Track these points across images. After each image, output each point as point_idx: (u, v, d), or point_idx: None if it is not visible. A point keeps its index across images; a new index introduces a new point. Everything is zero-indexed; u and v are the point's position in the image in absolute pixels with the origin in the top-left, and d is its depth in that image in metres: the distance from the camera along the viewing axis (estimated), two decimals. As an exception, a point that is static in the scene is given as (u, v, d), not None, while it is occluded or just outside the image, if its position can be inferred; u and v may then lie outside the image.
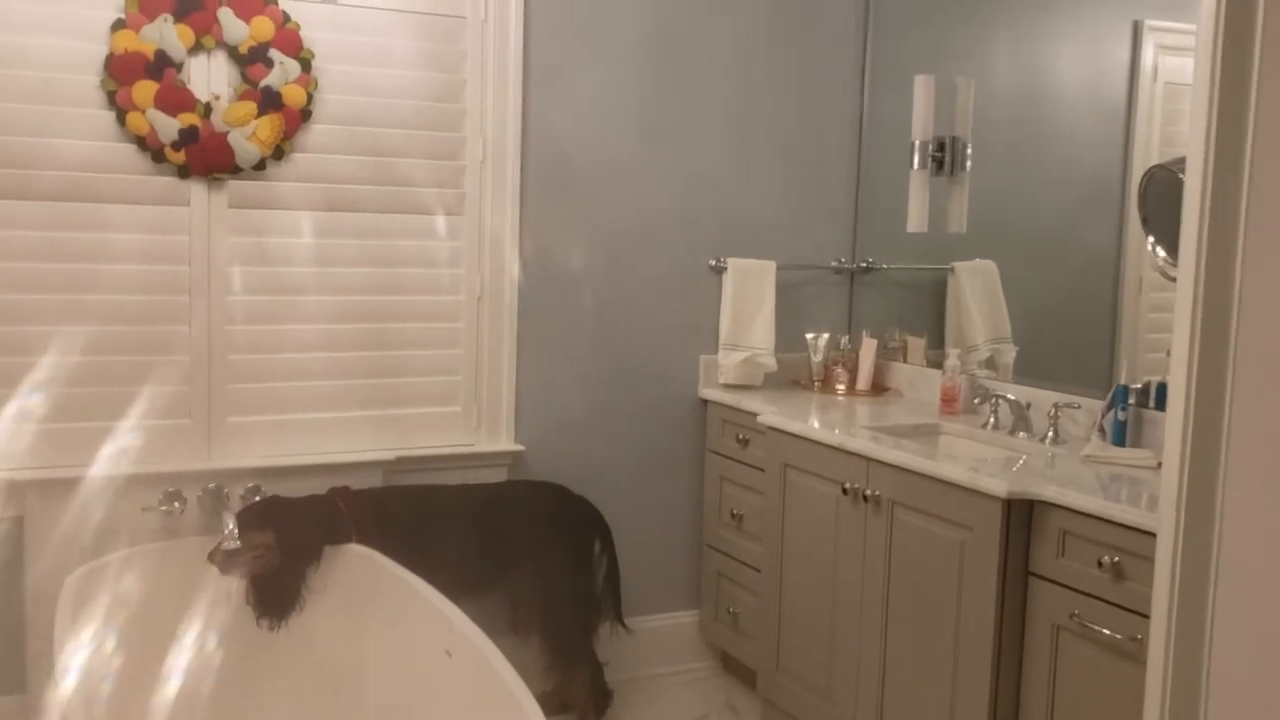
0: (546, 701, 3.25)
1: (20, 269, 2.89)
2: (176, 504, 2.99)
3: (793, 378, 3.74)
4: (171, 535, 3.00)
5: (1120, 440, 2.79)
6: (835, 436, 2.97)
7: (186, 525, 3.02)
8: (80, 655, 2.52)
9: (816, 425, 3.10)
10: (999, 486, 2.48)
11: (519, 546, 3.17)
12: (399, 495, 3.15)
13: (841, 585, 2.95)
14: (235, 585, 2.92)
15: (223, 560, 2.85)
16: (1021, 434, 3.03)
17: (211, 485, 3.04)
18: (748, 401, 3.45)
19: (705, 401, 3.66)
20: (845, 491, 2.91)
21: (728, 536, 3.55)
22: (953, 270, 3.54)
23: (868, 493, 2.84)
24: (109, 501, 2.94)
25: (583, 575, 3.29)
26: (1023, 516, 2.49)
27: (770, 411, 3.27)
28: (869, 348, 3.63)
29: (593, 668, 3.29)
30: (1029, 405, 3.06)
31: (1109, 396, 2.84)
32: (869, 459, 2.85)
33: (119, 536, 2.94)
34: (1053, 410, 2.97)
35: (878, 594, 2.83)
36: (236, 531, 2.79)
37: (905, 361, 3.66)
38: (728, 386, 3.62)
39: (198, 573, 2.88)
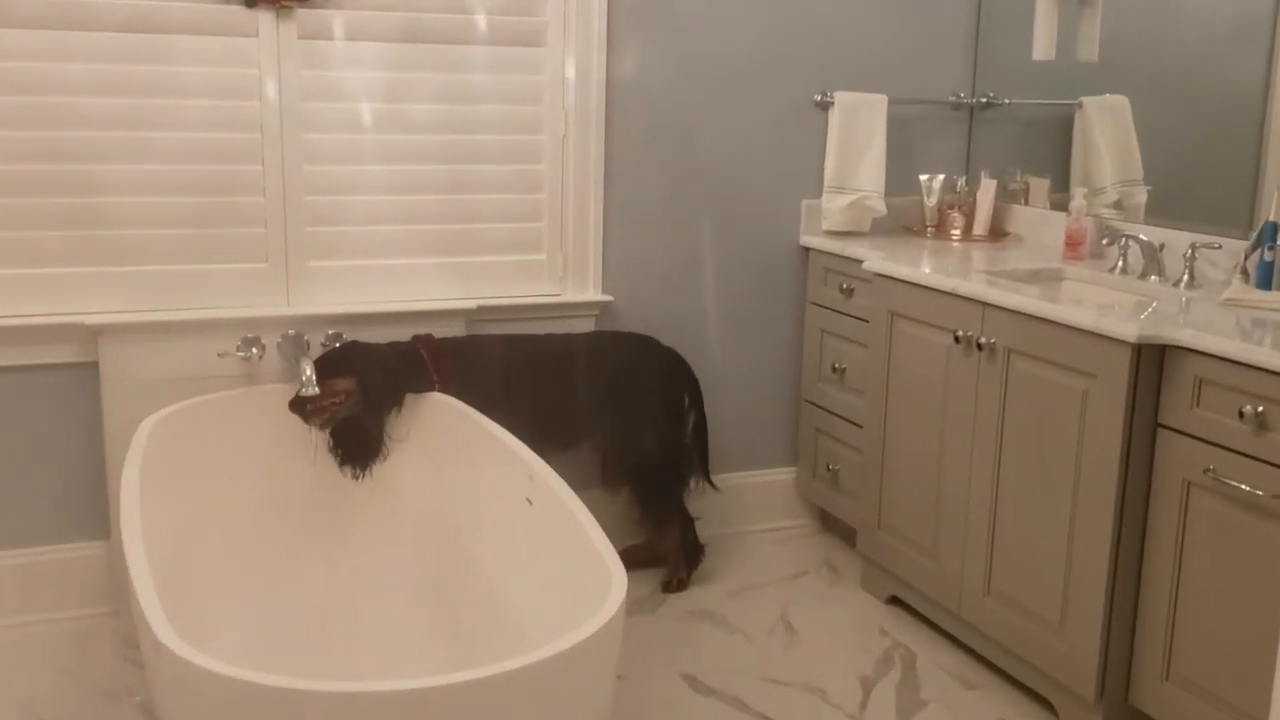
0: (636, 555, 3.14)
1: (85, 104, 2.77)
2: (255, 350, 2.90)
3: (903, 223, 3.49)
4: (250, 382, 2.92)
5: (1266, 283, 2.52)
6: (948, 281, 2.74)
7: (265, 372, 2.93)
8: (146, 501, 2.46)
9: (928, 271, 2.86)
10: (1128, 330, 2.24)
11: (606, 398, 3.03)
12: (482, 344, 3.02)
13: (950, 439, 2.76)
14: (316, 433, 2.83)
15: (302, 407, 2.76)
16: (1153, 278, 2.76)
17: (291, 331, 2.94)
18: (853, 248, 3.22)
19: (806, 249, 3.44)
20: (957, 340, 2.69)
21: (828, 391, 3.36)
22: (1081, 106, 3.24)
23: (982, 341, 2.61)
24: (186, 347, 2.86)
25: (672, 428, 3.15)
26: (1153, 364, 2.25)
27: (877, 257, 3.04)
28: (988, 189, 3.35)
29: (684, 522, 3.17)
30: (1162, 247, 2.79)
31: (1255, 235, 2.56)
32: (984, 304, 2.62)
33: (196, 383, 2.86)
34: (1189, 251, 2.69)
35: (989, 448, 2.63)
36: (314, 377, 2.68)
37: (1026, 204, 3.39)
38: (832, 233, 3.39)
39: (277, 419, 2.80)
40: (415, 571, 2.82)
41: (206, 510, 2.73)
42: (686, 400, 3.17)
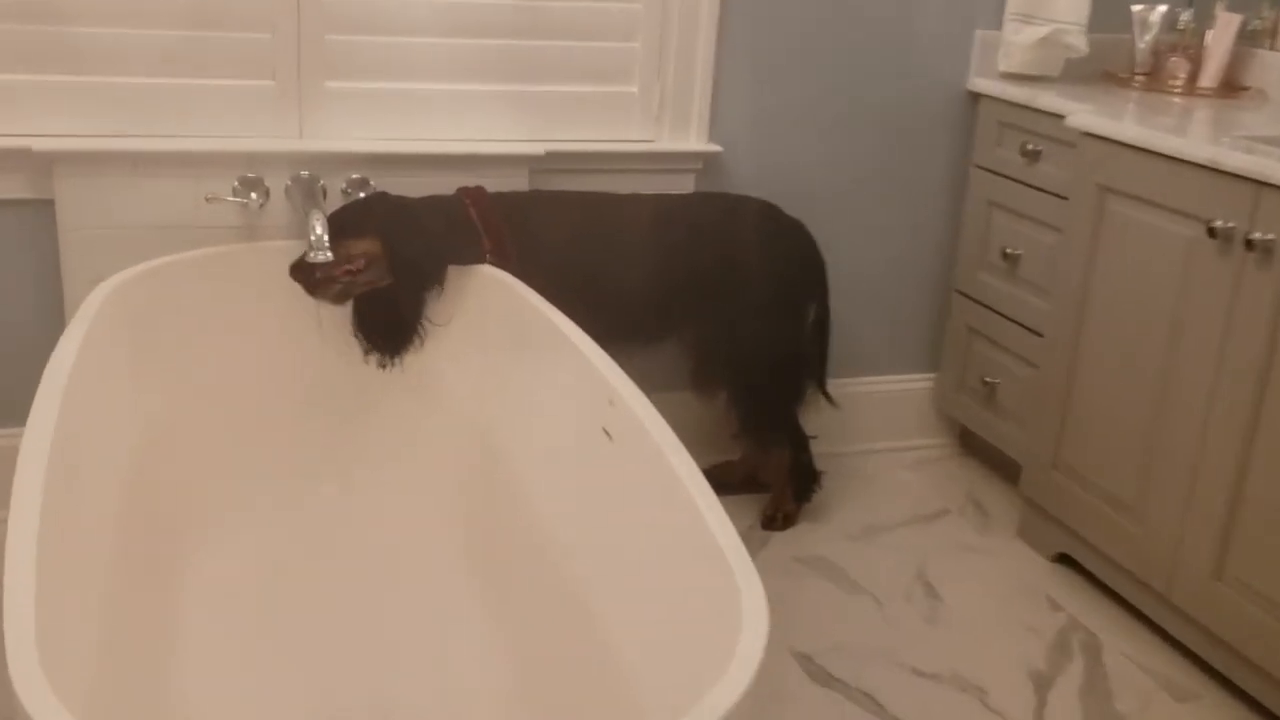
0: (729, 475, 2.48)
1: None
2: (254, 195, 2.21)
3: (1104, 68, 2.68)
4: (247, 236, 2.24)
5: None
6: (1203, 150, 1.96)
7: (268, 224, 2.24)
8: (99, 395, 1.82)
9: (1166, 134, 2.08)
10: None
11: (708, 281, 2.31)
12: (549, 203, 2.30)
13: (1183, 366, 2.02)
14: (326, 310, 2.15)
15: (308, 275, 2.08)
16: None
17: (303, 173, 2.23)
18: (1044, 97, 2.42)
19: (976, 96, 2.65)
20: (1212, 233, 1.92)
21: (992, 283, 2.61)
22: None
23: (1254, 237, 1.85)
24: (165, 186, 2.18)
25: (789, 323, 2.43)
26: None
27: (1084, 110, 2.26)
28: (1226, 27, 2.53)
29: (796, 442, 2.48)
30: None
31: None
32: (1261, 183, 1.85)
33: (177, 234, 2.18)
34: None
35: (1245, 385, 1.89)
36: (326, 237, 1.99)
37: (1274, 49, 2.56)
38: (1012, 76, 2.59)
39: (279, 287, 2.12)
40: (451, 502, 2.17)
41: (183, 407, 2.08)
42: (810, 289, 2.45)
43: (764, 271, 2.36)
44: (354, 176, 2.27)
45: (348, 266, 2.08)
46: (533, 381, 2.05)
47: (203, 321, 2.12)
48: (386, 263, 2.11)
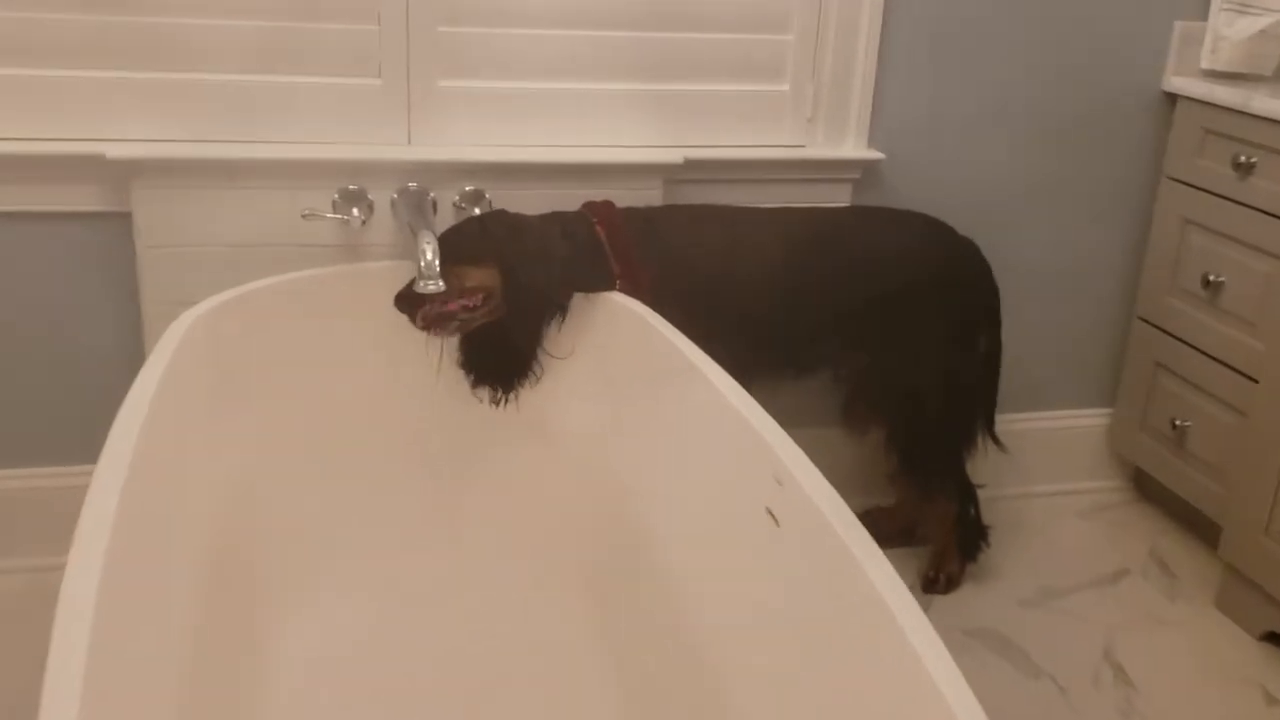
0: (883, 524, 2.18)
1: None
2: (356, 210, 1.95)
3: (1325, 65, 2.32)
4: (347, 256, 1.98)
5: None
6: None
7: (370, 241, 1.99)
8: (178, 439, 1.57)
9: None
10: None
11: (872, 308, 2.01)
12: (687, 221, 2.01)
13: None
14: (440, 341, 1.89)
15: (416, 307, 1.82)
16: None
17: (411, 185, 1.98)
18: (1261, 100, 2.07)
19: (1173, 98, 2.30)
20: None
21: (1187, 312, 2.27)
22: None
23: None
24: (256, 199, 1.93)
25: (961, 357, 2.11)
26: None
27: (1323, 117, 1.92)
28: None
29: (964, 492, 2.17)
30: None
31: None
32: None
33: (269, 254, 1.94)
34: None
35: None
36: (437, 264, 1.72)
37: None
38: (1219, 74, 2.24)
39: (382, 318, 1.87)
40: (574, 566, 1.90)
41: (272, 454, 1.84)
42: (983, 318, 2.13)
43: (934, 298, 2.04)
44: (468, 189, 2.01)
45: (464, 301, 1.81)
46: (668, 427, 1.77)
47: (297, 355, 1.87)
48: (503, 294, 1.84)
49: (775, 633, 1.40)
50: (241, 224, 1.94)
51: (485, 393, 1.94)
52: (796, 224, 2.03)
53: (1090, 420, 2.52)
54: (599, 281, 1.90)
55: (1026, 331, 2.38)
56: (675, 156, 2.06)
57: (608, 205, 1.96)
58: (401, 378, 1.92)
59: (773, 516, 1.41)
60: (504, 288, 1.83)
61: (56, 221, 1.95)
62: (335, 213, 1.95)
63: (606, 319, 1.90)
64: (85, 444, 2.05)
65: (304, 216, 1.91)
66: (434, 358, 1.89)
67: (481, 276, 1.82)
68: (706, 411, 1.62)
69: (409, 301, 1.81)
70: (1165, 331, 2.33)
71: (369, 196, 1.97)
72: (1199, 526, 2.34)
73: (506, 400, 1.94)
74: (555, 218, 1.93)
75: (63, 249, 1.97)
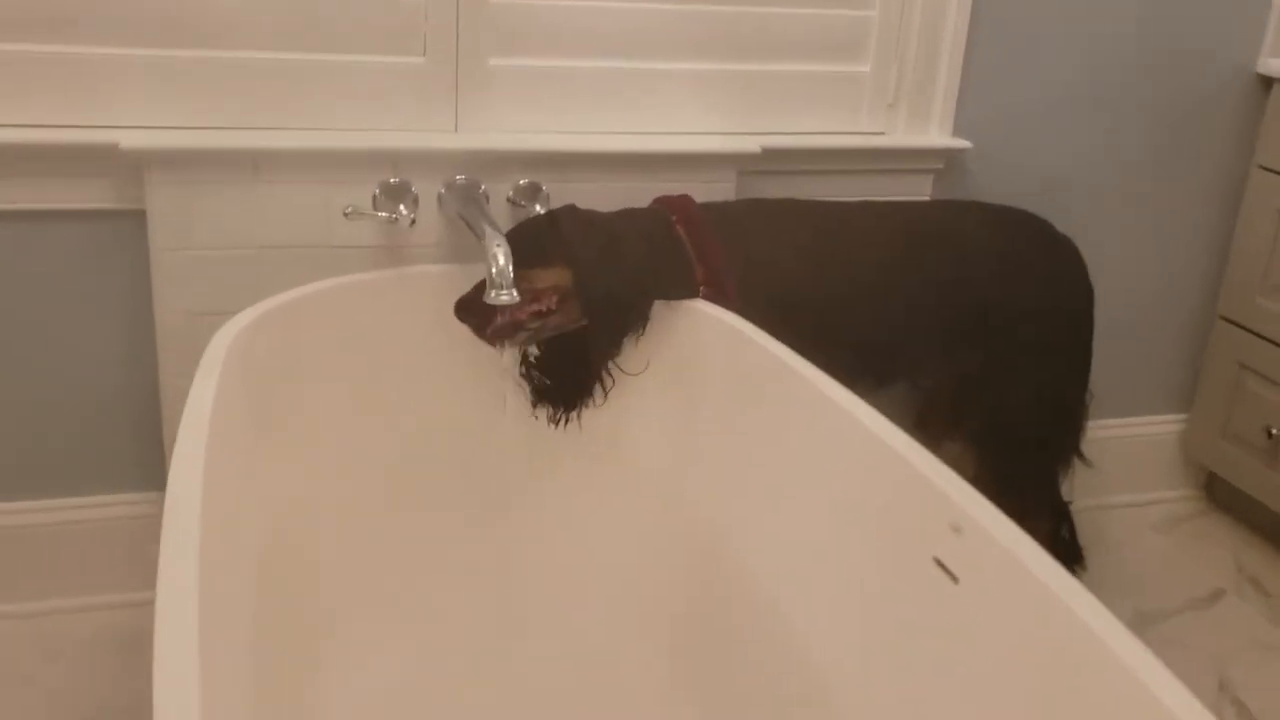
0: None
1: None
2: (403, 208, 1.72)
3: None
4: (389, 259, 1.76)
5: None
6: None
7: (414, 241, 1.76)
8: (218, 469, 1.34)
9: None
10: None
11: (971, 313, 1.82)
12: (772, 217, 1.80)
13: None
14: (512, 365, 1.67)
15: (485, 319, 1.59)
16: None
17: (459, 178, 1.75)
18: (1380, 84, 1.93)
19: (1269, 81, 2.14)
20: None
21: (1271, 309, 2.12)
22: None
23: None
24: (288, 194, 1.70)
25: (1066, 366, 1.93)
26: None
27: None
28: None
29: (1056, 514, 2.00)
30: None
31: None
32: None
33: (304, 256, 1.71)
34: None
35: None
36: (510, 269, 1.49)
37: None
38: (1322, 56, 2.09)
39: (436, 326, 1.65)
40: (655, 608, 1.69)
41: (317, 482, 1.61)
42: (1088, 324, 1.95)
43: (1040, 302, 1.86)
44: (522, 183, 1.78)
45: (536, 307, 1.59)
46: (777, 458, 1.57)
47: (344, 369, 1.64)
48: (578, 301, 1.62)
49: (909, 663, 1.21)
50: (268, 223, 1.70)
51: (545, 410, 1.73)
52: (890, 222, 1.83)
53: (1161, 427, 2.37)
54: (681, 287, 1.69)
55: (1100, 333, 2.20)
56: (752, 146, 1.85)
57: (686, 201, 1.75)
58: (457, 395, 1.70)
59: (945, 570, 1.22)
60: (578, 293, 1.61)
61: (59, 221, 1.69)
62: (378, 210, 1.72)
63: (688, 330, 1.69)
64: (94, 473, 1.82)
65: (346, 215, 1.68)
66: (505, 387, 1.67)
67: (552, 278, 1.60)
68: (836, 442, 1.42)
69: (474, 312, 1.59)
70: (1253, 332, 2.17)
71: (414, 190, 1.73)
72: (1265, 526, 2.21)
73: (567, 420, 1.73)
74: (630, 215, 1.72)
75: (66, 252, 1.71)
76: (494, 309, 1.55)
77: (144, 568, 1.85)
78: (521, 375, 1.72)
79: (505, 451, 1.75)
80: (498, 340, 1.59)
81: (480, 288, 1.58)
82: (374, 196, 1.72)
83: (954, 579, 1.21)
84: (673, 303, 1.69)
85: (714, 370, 1.66)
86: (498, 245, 1.50)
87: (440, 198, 1.75)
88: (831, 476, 1.43)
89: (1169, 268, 2.26)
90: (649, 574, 1.71)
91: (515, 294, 1.49)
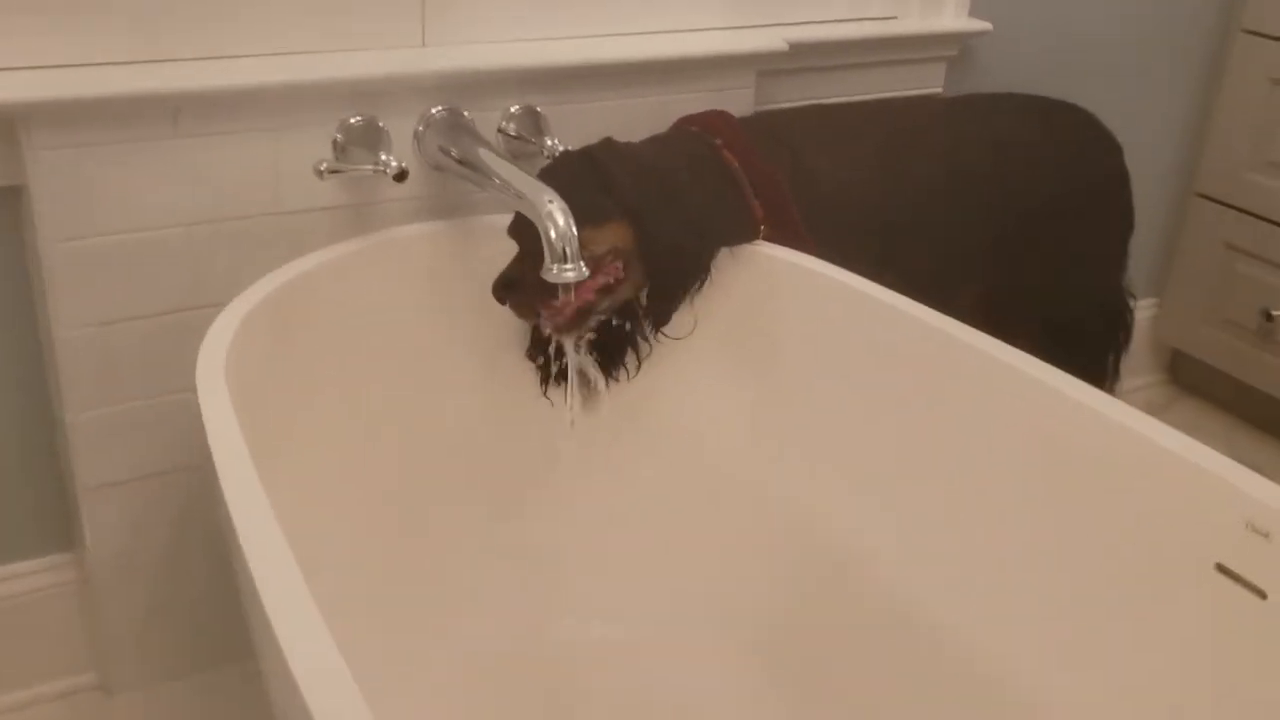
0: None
1: None
2: (384, 155, 1.30)
3: None
4: (359, 221, 1.35)
5: None
6: None
7: (387, 198, 1.36)
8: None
9: None
10: None
11: (1022, 225, 1.58)
12: (825, 130, 1.49)
13: None
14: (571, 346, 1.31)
15: (537, 299, 1.22)
16: None
17: (436, 109, 1.35)
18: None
19: (1259, -65, 1.97)
20: None
21: (1263, 186, 1.99)
22: None
23: None
24: (218, 150, 1.26)
25: (1113, 274, 1.74)
26: None
27: None
28: None
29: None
30: None
31: None
32: None
33: (240, 233, 1.28)
34: None
35: None
36: (574, 233, 1.12)
37: None
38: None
39: (442, 293, 1.28)
40: (739, 609, 1.41)
41: (326, 484, 1.23)
42: (1129, 232, 1.75)
43: (1086, 207, 1.64)
44: (515, 109, 1.40)
45: (602, 279, 1.24)
46: (885, 425, 1.30)
47: (348, 366, 1.25)
48: (641, 261, 1.28)
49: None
50: (197, 192, 1.26)
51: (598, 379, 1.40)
52: (939, 120, 1.56)
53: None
54: (740, 229, 1.37)
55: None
56: (776, 42, 1.52)
57: (724, 119, 1.42)
58: (482, 374, 1.34)
59: (1254, 590, 0.99)
60: (640, 254, 1.27)
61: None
62: (343, 160, 1.30)
63: (749, 279, 1.38)
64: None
65: (321, 174, 1.26)
66: (568, 396, 1.31)
67: (609, 238, 1.25)
68: (992, 407, 1.16)
69: (524, 293, 1.22)
70: (1244, 210, 2.04)
71: (382, 129, 1.32)
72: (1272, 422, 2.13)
73: (594, 391, 1.40)
74: (665, 143, 1.38)
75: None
76: (551, 288, 1.19)
77: (65, 648, 1.41)
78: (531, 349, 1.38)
79: (537, 440, 1.41)
80: (569, 332, 1.23)
81: (524, 260, 1.22)
82: (334, 142, 1.30)
83: (1260, 594, 0.98)
84: (734, 248, 1.37)
85: (789, 326, 1.37)
86: (551, 202, 1.13)
87: (418, 136, 1.35)
88: (989, 451, 1.17)
89: (1137, 143, 2.09)
90: (731, 567, 1.42)
91: (584, 266, 1.13)
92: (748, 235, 1.37)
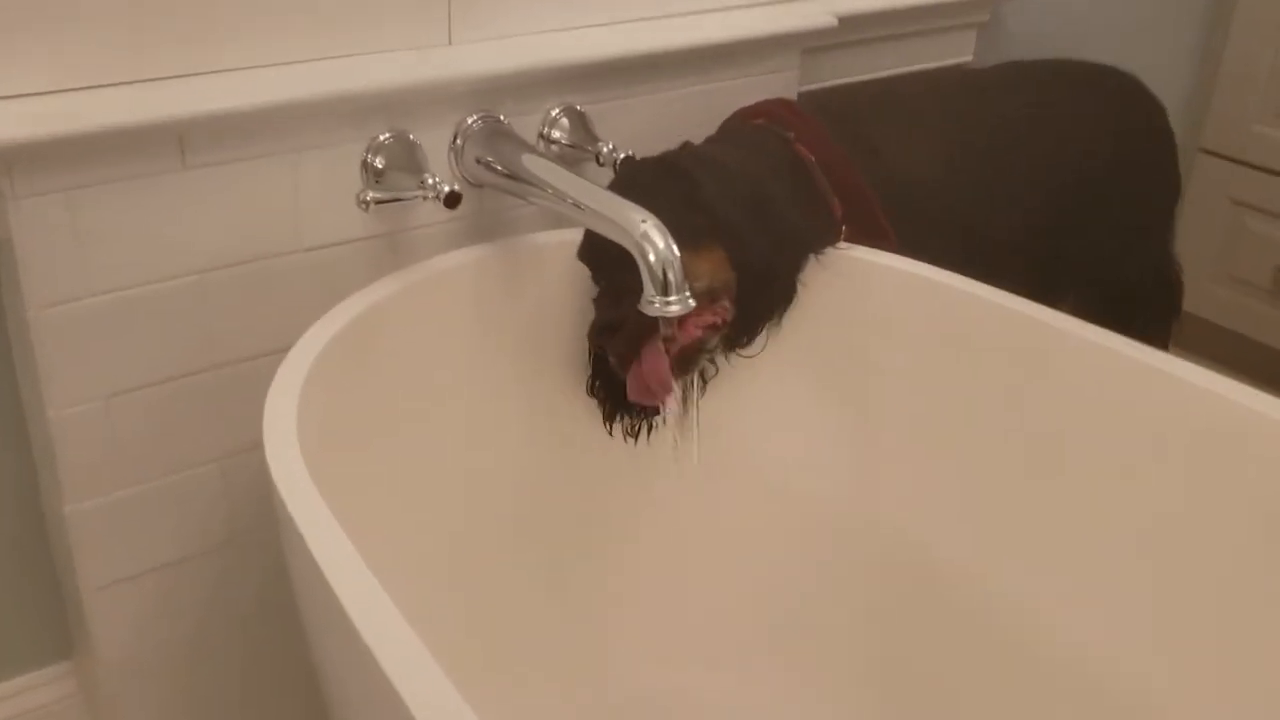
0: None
1: None
2: (428, 176, 1.11)
3: None
4: (392, 253, 1.17)
5: None
6: None
7: (418, 224, 1.18)
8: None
9: None
10: None
11: (1063, 184, 1.47)
12: (894, 114, 1.35)
13: None
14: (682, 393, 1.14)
15: (640, 341, 1.05)
16: None
17: (472, 119, 1.16)
18: None
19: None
20: None
21: (1274, 136, 1.93)
22: None
23: None
24: (230, 185, 1.06)
25: (1161, 242, 1.64)
26: None
27: None
28: None
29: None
30: None
31: None
32: None
33: (266, 277, 1.09)
34: None
35: None
36: (678, 259, 0.96)
37: None
38: None
39: (496, 323, 1.11)
40: (839, 639, 1.27)
41: (399, 541, 1.05)
42: (1178, 190, 1.66)
43: (1151, 172, 1.55)
44: (554, 112, 1.22)
45: (710, 318, 1.07)
46: (999, 441, 1.18)
47: (392, 414, 1.07)
48: (738, 285, 1.12)
49: None
50: (209, 233, 1.06)
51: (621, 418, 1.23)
52: (1003, 96, 1.44)
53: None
54: (825, 234, 1.22)
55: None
56: (825, 18, 1.37)
57: (789, 108, 1.27)
58: (544, 412, 1.17)
59: None
60: (737, 279, 1.11)
61: None
62: (382, 185, 1.11)
63: (826, 284, 1.24)
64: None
65: (365, 205, 1.07)
66: (678, 434, 1.15)
67: (708, 265, 1.09)
68: (1134, 413, 1.05)
69: (625, 335, 1.05)
70: (1254, 166, 1.98)
71: (414, 142, 1.14)
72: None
73: (648, 425, 1.24)
74: (736, 141, 1.22)
75: None
76: (651, 325, 1.02)
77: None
78: (591, 382, 1.21)
79: (595, 476, 1.25)
80: (680, 377, 1.06)
81: (612, 296, 1.05)
82: (365, 164, 1.11)
83: None
84: (818, 253, 1.22)
85: (880, 334, 1.23)
86: (645, 221, 0.96)
87: (454, 149, 1.16)
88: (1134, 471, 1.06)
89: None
90: (826, 596, 1.28)
91: (691, 299, 0.97)
92: (831, 239, 1.22)
